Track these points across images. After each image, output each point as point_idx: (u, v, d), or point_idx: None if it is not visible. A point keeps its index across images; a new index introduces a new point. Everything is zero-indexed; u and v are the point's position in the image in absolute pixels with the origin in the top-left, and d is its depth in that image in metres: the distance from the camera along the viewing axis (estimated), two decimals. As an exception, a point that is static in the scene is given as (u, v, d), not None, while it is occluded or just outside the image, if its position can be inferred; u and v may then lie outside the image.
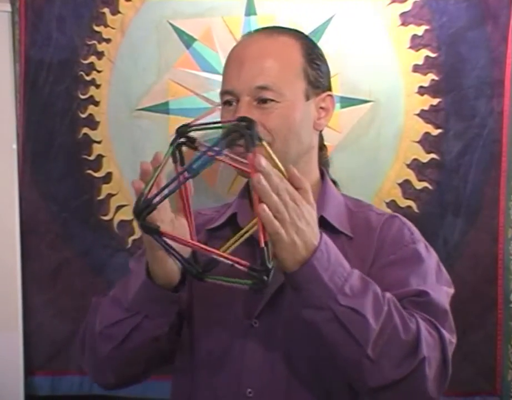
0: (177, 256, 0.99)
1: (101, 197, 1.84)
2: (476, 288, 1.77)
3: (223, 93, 1.18)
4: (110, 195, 1.83)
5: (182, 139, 0.98)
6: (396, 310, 0.99)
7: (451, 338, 1.05)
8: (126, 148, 1.82)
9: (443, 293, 1.11)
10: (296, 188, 0.95)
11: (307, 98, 1.18)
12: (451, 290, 1.13)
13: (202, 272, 0.97)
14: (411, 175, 1.77)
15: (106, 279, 1.82)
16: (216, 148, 0.94)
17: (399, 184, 1.78)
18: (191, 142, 1.00)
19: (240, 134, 0.93)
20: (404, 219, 1.20)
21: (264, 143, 0.97)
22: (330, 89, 1.22)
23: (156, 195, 0.93)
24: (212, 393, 1.13)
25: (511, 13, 1.73)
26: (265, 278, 0.90)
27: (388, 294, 1.00)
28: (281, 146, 1.12)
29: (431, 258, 1.15)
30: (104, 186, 1.84)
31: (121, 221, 1.82)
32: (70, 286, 1.84)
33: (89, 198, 1.84)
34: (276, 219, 0.91)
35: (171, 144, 0.98)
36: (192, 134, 0.99)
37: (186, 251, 1.01)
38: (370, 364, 0.96)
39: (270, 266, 0.90)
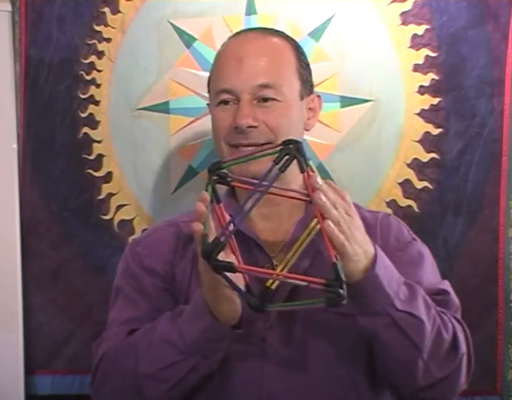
0: (241, 292, 0.96)
1: (101, 196, 1.83)
2: (476, 287, 1.77)
3: (219, 92, 1.17)
4: (110, 195, 1.83)
5: (215, 177, 1.00)
6: (435, 309, 1.02)
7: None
8: (127, 147, 1.81)
9: (451, 288, 1.15)
10: None
11: (301, 98, 1.19)
12: None
13: (262, 303, 0.95)
14: (411, 175, 1.77)
15: (107, 278, 1.81)
16: (255, 181, 0.97)
17: (399, 184, 1.77)
18: (223, 178, 1.01)
19: (293, 156, 0.96)
20: (397, 217, 1.27)
21: (310, 162, 0.99)
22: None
23: (222, 233, 0.94)
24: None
25: (512, 12, 1.73)
26: (341, 291, 0.89)
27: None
28: None
29: (427, 251, 1.20)
30: (104, 185, 1.83)
31: (122, 220, 1.82)
32: (71, 286, 1.84)
33: (89, 197, 1.83)
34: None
35: (208, 185, 0.99)
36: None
37: (240, 284, 0.99)
38: (423, 365, 0.98)
39: (343, 278, 0.89)
